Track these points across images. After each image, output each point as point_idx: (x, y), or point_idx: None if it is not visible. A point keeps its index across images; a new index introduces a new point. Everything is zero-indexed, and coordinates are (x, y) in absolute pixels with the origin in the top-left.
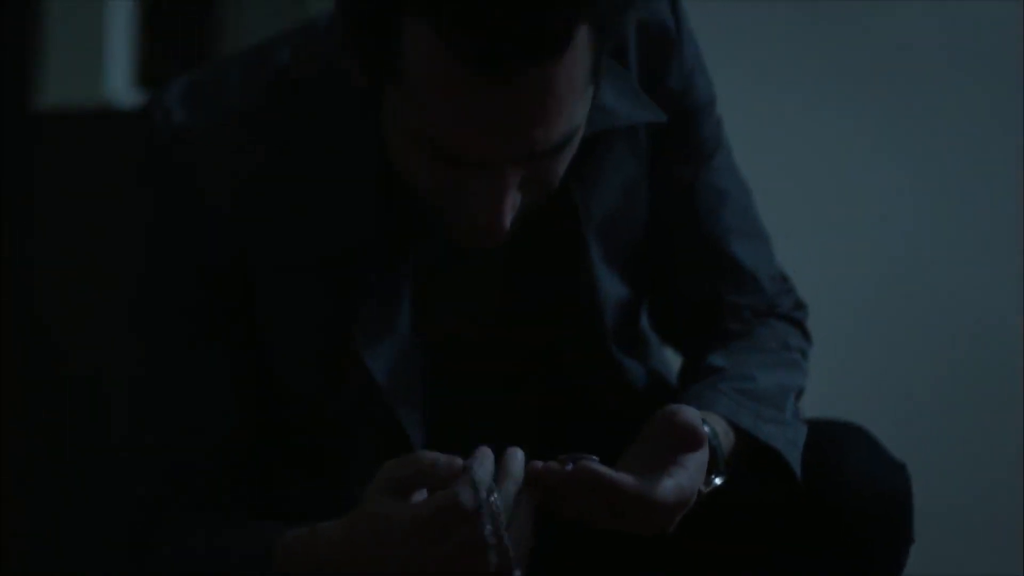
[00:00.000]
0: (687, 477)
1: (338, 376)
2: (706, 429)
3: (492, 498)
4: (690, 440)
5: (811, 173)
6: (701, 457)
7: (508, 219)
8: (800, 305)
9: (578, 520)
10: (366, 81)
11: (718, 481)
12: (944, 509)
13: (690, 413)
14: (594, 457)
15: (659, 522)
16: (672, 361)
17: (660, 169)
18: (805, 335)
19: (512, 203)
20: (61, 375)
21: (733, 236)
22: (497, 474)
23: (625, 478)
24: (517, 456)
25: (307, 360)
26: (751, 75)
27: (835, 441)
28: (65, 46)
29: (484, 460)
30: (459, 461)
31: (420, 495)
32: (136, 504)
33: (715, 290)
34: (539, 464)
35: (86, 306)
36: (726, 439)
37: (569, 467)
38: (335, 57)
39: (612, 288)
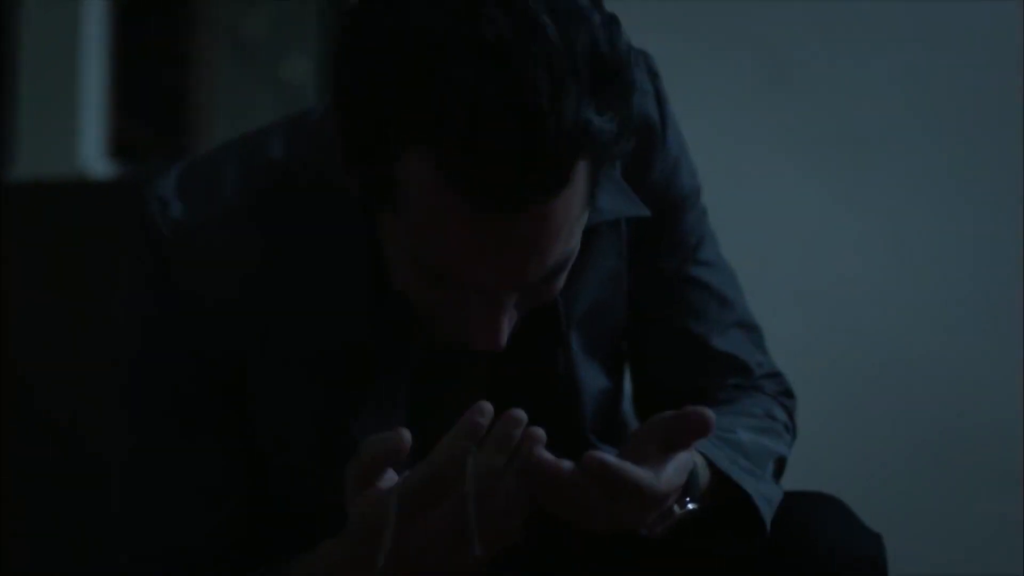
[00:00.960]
0: (674, 471)
1: (333, 469)
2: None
3: (468, 465)
4: (698, 423)
5: (784, 240)
6: (686, 458)
7: (505, 337)
8: (788, 393)
9: (566, 517)
10: (363, 201)
11: (691, 506)
12: None
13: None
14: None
15: (651, 512)
16: None
17: (644, 261)
18: (790, 417)
19: (509, 320)
20: (50, 447)
21: (718, 330)
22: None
23: (629, 464)
24: (513, 417)
25: (301, 452)
26: (725, 140)
27: (810, 511)
28: (39, 118)
29: (477, 418)
30: (403, 436)
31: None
32: None
33: (699, 381)
34: (545, 457)
35: (70, 385)
36: (703, 472)
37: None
38: (329, 155)
39: (592, 379)
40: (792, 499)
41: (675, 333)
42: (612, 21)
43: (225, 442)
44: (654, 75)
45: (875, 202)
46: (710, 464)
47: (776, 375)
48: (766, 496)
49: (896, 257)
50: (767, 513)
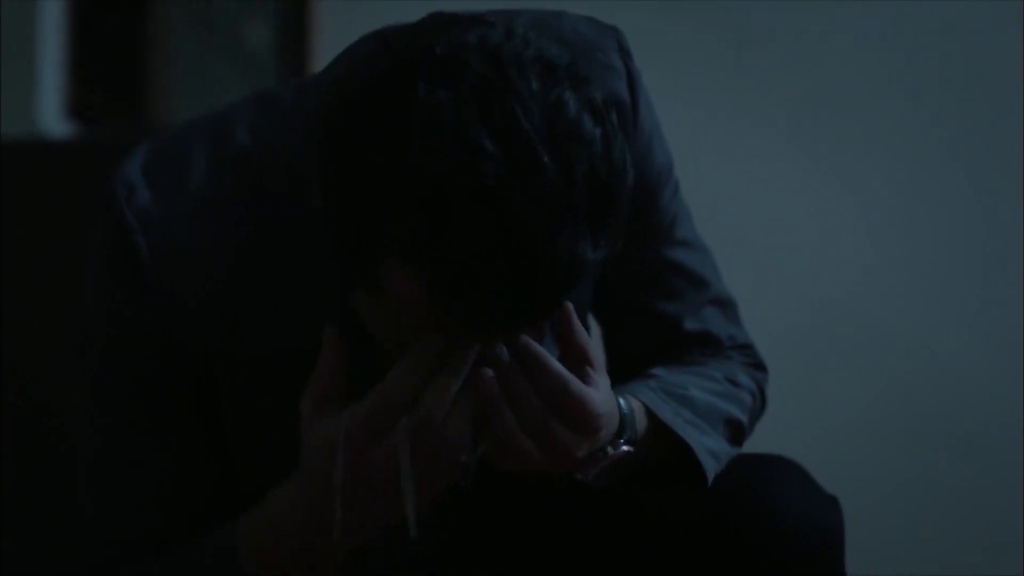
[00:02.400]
0: (598, 392)
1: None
2: (621, 401)
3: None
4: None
5: (752, 209)
6: (605, 379)
7: None
8: (759, 365)
9: (506, 439)
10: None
11: (625, 448)
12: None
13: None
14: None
15: (585, 434)
16: None
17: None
18: (759, 388)
19: None
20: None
21: (691, 310)
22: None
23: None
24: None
25: (269, 447)
26: (695, 109)
27: (765, 474)
28: None
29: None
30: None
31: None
32: (93, 565)
33: (670, 357)
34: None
35: (27, 351)
36: (640, 419)
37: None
38: (300, 146)
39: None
40: (747, 462)
41: (649, 316)
42: (612, 131)
43: (190, 432)
44: (625, 53)
45: (846, 167)
46: (652, 415)
47: (747, 347)
48: (712, 450)
49: (872, 225)
50: (710, 465)
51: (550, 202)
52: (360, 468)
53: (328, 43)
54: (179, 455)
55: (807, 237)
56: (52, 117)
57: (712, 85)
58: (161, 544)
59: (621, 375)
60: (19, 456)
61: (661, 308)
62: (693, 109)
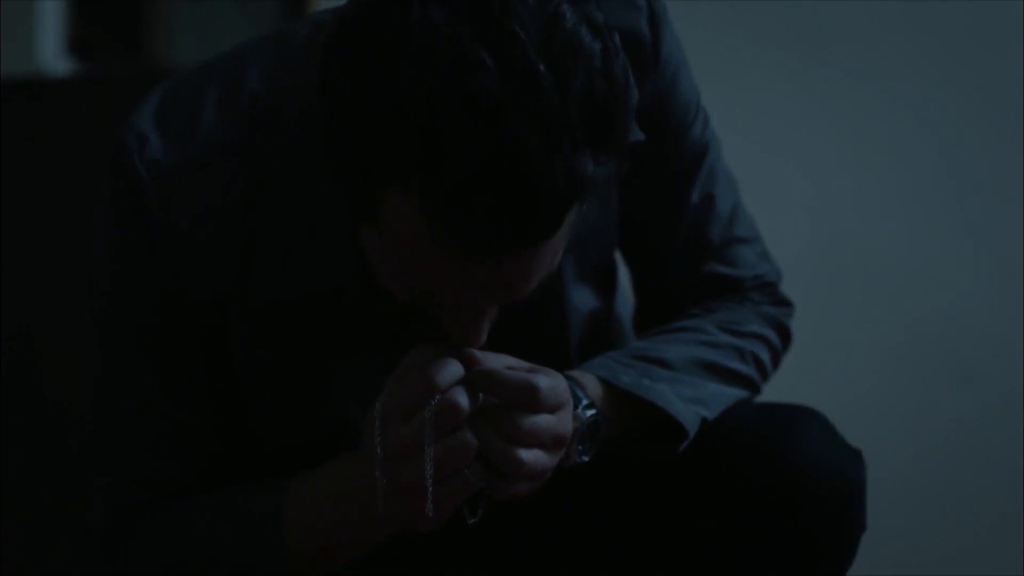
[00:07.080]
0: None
1: (306, 414)
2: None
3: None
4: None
5: (750, 144)
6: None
7: (484, 335)
8: (779, 301)
9: (506, 464)
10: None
11: (589, 412)
12: (900, 497)
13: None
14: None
15: (565, 414)
16: None
17: (647, 182)
18: (778, 328)
19: (489, 321)
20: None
21: (717, 251)
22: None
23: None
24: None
25: (276, 396)
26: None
27: (788, 425)
28: None
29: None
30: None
31: None
32: (105, 512)
33: (690, 302)
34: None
35: (25, 286)
36: (591, 385)
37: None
38: (314, 90)
39: (583, 302)
40: (770, 412)
41: (676, 257)
42: (612, 49)
43: (196, 381)
44: None
45: (848, 98)
46: (616, 388)
47: (771, 284)
48: (694, 397)
49: (874, 157)
50: (679, 409)
51: (546, 115)
52: (392, 445)
53: None
54: (185, 403)
55: (808, 171)
56: (52, 55)
57: (714, 18)
58: (167, 497)
59: (649, 320)
60: (19, 456)
61: (689, 251)
62: (695, 46)
